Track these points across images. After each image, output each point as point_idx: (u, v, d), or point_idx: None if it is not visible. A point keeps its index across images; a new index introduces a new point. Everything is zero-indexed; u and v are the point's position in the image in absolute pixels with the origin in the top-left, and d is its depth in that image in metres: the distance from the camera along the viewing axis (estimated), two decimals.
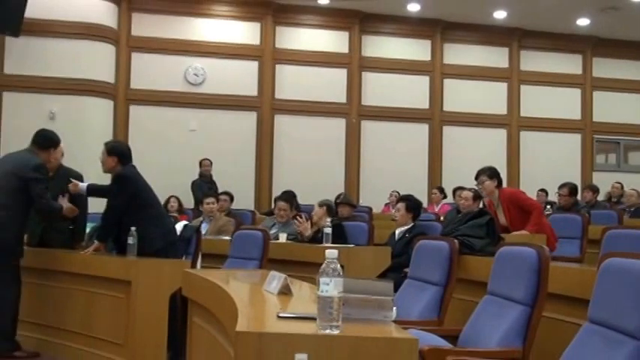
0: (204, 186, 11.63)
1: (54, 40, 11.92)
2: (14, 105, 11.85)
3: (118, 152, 5.97)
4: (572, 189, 9.39)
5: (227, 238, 7.24)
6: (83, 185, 6.18)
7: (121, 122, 12.60)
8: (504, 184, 7.66)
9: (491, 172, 7.01)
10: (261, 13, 13.27)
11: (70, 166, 6.74)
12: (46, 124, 11.21)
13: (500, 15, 13.69)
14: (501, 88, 14.51)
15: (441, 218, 9.33)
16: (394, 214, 7.22)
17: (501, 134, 14.49)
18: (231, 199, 10.24)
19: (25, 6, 11.33)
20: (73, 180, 6.20)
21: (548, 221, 7.24)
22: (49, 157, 6.25)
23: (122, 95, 12.68)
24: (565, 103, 14.70)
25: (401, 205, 6.94)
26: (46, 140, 6.26)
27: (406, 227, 6.81)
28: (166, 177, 10.63)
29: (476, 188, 7.37)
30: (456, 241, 4.52)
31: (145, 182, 6.01)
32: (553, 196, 11.03)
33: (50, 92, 11.83)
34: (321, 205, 7.68)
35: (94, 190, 6.22)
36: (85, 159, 6.64)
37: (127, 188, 5.83)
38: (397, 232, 6.90)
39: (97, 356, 5.60)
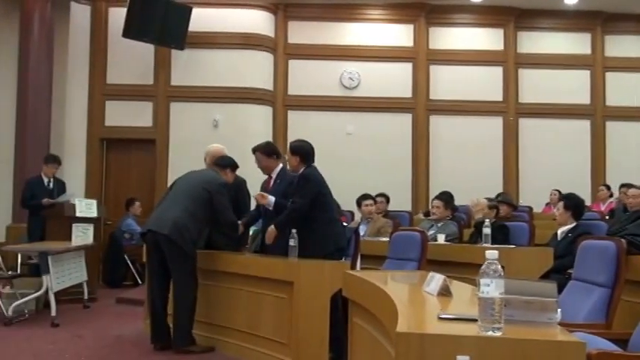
0: None
1: (216, 51, 12.47)
2: (181, 114, 12.46)
3: (300, 152, 6.14)
4: None
5: (385, 239, 7.27)
6: (271, 199, 6.32)
7: (279, 128, 12.95)
8: None
9: None
10: (414, 14, 13.24)
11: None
12: (211, 131, 11.85)
13: None
14: None
15: (607, 217, 8.98)
16: (555, 213, 7.02)
17: None
18: (388, 200, 10.29)
19: (189, 21, 11.93)
20: (262, 192, 6.43)
21: None
22: (230, 177, 6.69)
23: (280, 101, 13.03)
24: None
25: (560, 204, 6.74)
26: (231, 162, 6.74)
27: (569, 227, 6.57)
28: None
29: None
30: (623, 240, 4.34)
31: (327, 185, 6.13)
32: None
33: (214, 101, 12.38)
34: (491, 207, 7.61)
35: (279, 205, 6.28)
36: (246, 164, 6.87)
37: (312, 188, 5.96)
38: (559, 232, 6.68)
39: (263, 355, 5.77)
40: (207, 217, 6.38)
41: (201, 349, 6.19)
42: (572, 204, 6.64)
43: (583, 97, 13.56)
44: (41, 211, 9.33)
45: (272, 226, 6.11)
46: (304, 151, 6.15)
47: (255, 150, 6.64)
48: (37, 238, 9.24)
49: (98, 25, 12.46)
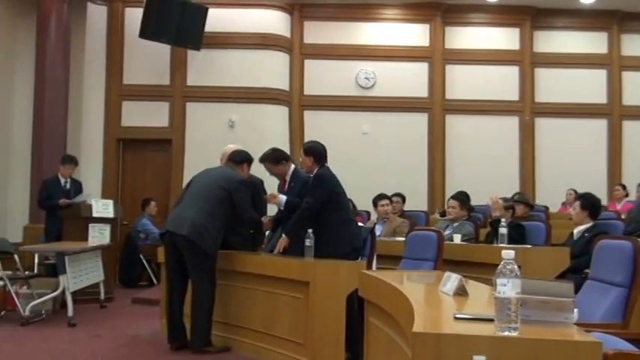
0: None
1: (232, 52, 12.50)
2: (196, 114, 12.50)
3: (314, 152, 6.18)
4: None
5: (401, 239, 7.26)
6: (282, 198, 6.37)
7: (296, 128, 12.96)
8: None
9: None
10: (430, 14, 13.21)
11: (250, 172, 7.03)
12: (227, 132, 11.87)
13: None
14: None
15: (622, 216, 8.92)
16: (572, 212, 6.98)
17: None
18: (404, 200, 10.27)
19: (205, 21, 11.97)
20: (274, 192, 6.46)
21: None
22: (247, 172, 6.67)
23: (296, 101, 13.04)
24: None
25: (577, 204, 6.71)
26: (247, 156, 6.72)
27: (585, 226, 6.54)
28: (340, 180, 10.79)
29: None
30: (639, 240, 4.31)
31: (341, 185, 6.14)
32: None
33: (229, 101, 12.40)
34: (507, 207, 7.57)
35: (291, 204, 6.31)
36: (262, 165, 6.86)
37: (325, 188, 5.98)
38: (575, 231, 6.65)
39: (279, 355, 5.78)
40: (226, 215, 6.34)
41: (218, 349, 6.21)
42: (589, 203, 6.60)
43: (600, 97, 13.47)
44: (58, 211, 9.39)
45: (283, 236, 6.13)
46: (317, 152, 6.18)
47: (262, 161, 6.63)
48: (54, 238, 9.30)
49: (115, 26, 12.52)
